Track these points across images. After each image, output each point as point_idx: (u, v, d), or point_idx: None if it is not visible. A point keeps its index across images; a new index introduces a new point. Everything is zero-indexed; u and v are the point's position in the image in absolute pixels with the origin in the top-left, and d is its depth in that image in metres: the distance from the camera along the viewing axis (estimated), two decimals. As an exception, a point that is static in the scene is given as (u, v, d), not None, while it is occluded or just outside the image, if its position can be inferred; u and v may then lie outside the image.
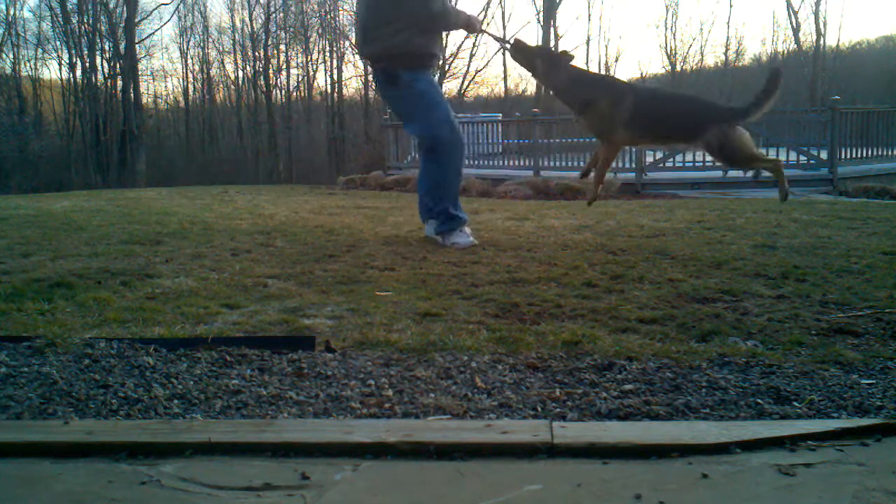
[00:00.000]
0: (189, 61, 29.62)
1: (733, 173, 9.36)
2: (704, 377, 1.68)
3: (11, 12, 26.66)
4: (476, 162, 11.40)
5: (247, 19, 27.64)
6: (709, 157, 9.70)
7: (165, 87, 40.38)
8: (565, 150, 10.61)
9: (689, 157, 9.99)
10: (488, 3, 27.56)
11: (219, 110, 29.70)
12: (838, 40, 32.36)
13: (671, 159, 9.88)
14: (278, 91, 28.30)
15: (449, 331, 2.07)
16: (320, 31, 27.28)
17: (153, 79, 31.46)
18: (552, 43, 26.10)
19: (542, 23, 26.01)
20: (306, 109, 28.21)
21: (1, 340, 1.96)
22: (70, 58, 26.25)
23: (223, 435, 1.33)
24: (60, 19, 26.29)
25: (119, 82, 26.70)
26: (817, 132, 9.98)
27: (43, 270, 3.04)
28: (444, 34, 4.10)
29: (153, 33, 39.31)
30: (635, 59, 58.56)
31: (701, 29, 34.22)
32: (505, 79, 29.40)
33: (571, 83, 3.59)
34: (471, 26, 3.96)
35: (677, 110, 3.61)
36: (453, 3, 3.89)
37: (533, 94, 27.05)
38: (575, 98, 3.59)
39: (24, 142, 24.36)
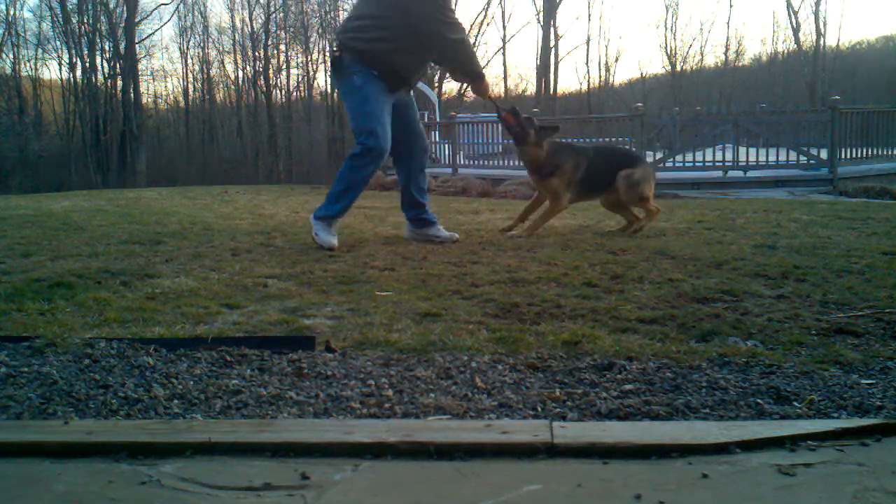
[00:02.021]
0: (189, 61, 29.65)
1: (733, 173, 9.37)
2: (704, 377, 1.68)
3: (11, 12, 26.70)
4: (476, 162, 11.40)
5: (247, 19, 27.68)
6: (709, 158, 9.76)
7: (165, 87, 40.44)
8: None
9: (689, 157, 9.99)
10: (488, 3, 27.59)
11: (219, 110, 29.70)
12: (838, 40, 32.40)
13: (671, 159, 9.88)
14: (278, 91, 28.33)
15: (449, 331, 2.07)
16: (320, 31, 27.31)
17: (153, 79, 31.46)
18: (552, 43, 26.13)
19: (542, 23, 26.03)
20: (306, 109, 28.22)
21: (1, 340, 1.96)
22: (70, 58, 26.28)
23: (223, 435, 1.33)
24: (60, 19, 26.29)
25: (119, 82, 26.71)
26: (817, 132, 9.98)
27: (43, 270, 3.04)
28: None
29: (153, 33, 39.40)
30: (635, 59, 58.69)
31: (701, 29, 34.32)
32: (505, 79, 29.44)
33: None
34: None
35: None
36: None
37: (533, 93, 27.07)
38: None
39: (24, 142, 24.36)
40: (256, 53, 27.52)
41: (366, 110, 3.71)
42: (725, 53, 30.89)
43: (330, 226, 3.75)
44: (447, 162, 11.99)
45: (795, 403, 1.52)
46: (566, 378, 1.70)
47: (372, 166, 3.77)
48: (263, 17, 27.21)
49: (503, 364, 1.79)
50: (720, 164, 9.48)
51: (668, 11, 39.81)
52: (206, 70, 29.06)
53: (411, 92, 4.07)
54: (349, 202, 3.83)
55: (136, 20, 26.55)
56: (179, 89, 30.59)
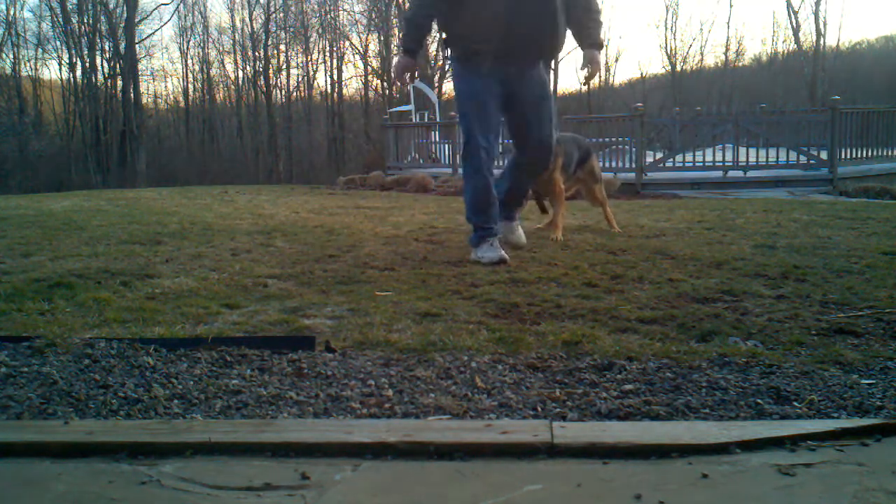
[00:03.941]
0: (189, 61, 29.59)
1: (733, 173, 9.37)
2: (704, 377, 1.68)
3: (11, 12, 26.68)
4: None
5: (247, 19, 27.64)
6: (709, 158, 9.76)
7: (165, 87, 40.39)
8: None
9: (689, 157, 9.99)
10: (488, 4, 27.46)
11: (219, 110, 29.68)
12: (838, 40, 32.40)
13: (671, 159, 9.88)
14: (278, 91, 28.30)
15: (449, 331, 2.07)
16: (320, 31, 27.29)
17: (153, 79, 31.43)
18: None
19: (542, 23, 25.95)
20: (306, 109, 28.20)
21: (1, 340, 1.96)
22: (70, 58, 26.25)
23: (223, 435, 1.33)
24: (60, 19, 26.27)
25: (119, 82, 26.69)
26: (817, 132, 9.98)
27: (43, 270, 3.04)
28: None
29: (153, 33, 39.39)
30: (635, 59, 58.59)
31: (701, 29, 34.29)
32: (505, 79, 29.34)
33: None
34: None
35: None
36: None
37: (533, 94, 27.02)
38: None
39: (24, 142, 24.34)
40: (256, 53, 27.50)
41: (462, 110, 3.39)
42: (725, 53, 30.85)
43: (488, 242, 3.33)
44: (447, 162, 11.99)
45: (795, 403, 1.52)
46: (566, 378, 1.70)
47: (473, 169, 3.34)
48: (263, 17, 27.19)
49: (503, 364, 1.79)
50: (720, 164, 9.48)
51: (668, 11, 39.83)
52: (206, 70, 29.04)
53: (532, 73, 3.37)
54: (482, 214, 3.36)
55: (136, 20, 26.54)
56: (179, 89, 30.56)
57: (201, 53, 29.02)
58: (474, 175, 3.35)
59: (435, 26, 3.40)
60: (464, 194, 3.48)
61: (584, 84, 3.58)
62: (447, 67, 26.67)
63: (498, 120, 3.42)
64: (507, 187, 3.64)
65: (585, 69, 3.39)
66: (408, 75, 3.37)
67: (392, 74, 3.94)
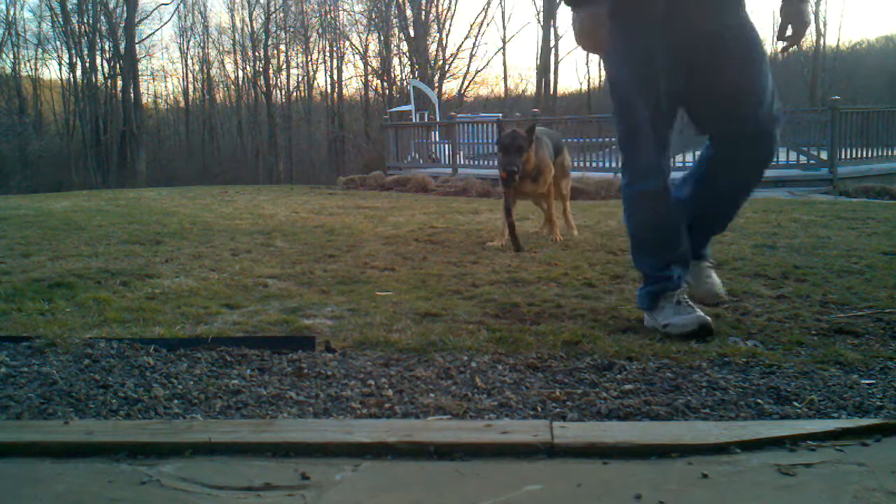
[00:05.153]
0: (189, 61, 29.65)
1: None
2: (704, 377, 1.68)
3: (11, 12, 26.73)
4: (476, 162, 11.42)
5: (247, 19, 27.68)
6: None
7: (165, 87, 40.42)
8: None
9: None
10: (488, 3, 27.58)
11: (219, 110, 29.69)
12: (838, 40, 32.35)
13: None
14: (278, 91, 28.32)
15: (449, 331, 2.07)
16: (320, 31, 27.30)
17: (153, 79, 31.46)
18: (552, 43, 26.11)
19: (542, 23, 26.01)
20: (306, 109, 28.21)
21: (1, 340, 1.96)
22: (70, 58, 26.28)
23: (223, 435, 1.33)
24: (60, 19, 26.31)
25: (119, 82, 26.72)
26: (817, 132, 9.98)
27: (43, 270, 3.04)
28: None
29: (153, 33, 39.45)
30: (635, 60, 58.49)
31: (701, 29, 34.23)
32: (505, 79, 29.41)
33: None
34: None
35: None
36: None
37: (533, 93, 27.06)
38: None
39: (24, 142, 24.37)
40: (256, 53, 27.52)
41: (615, 121, 2.24)
42: (725, 53, 30.82)
43: (666, 300, 2.10)
44: (447, 162, 12.00)
45: (795, 403, 1.52)
46: (566, 378, 1.70)
47: (643, 209, 2.20)
48: (263, 17, 27.21)
49: (503, 364, 1.79)
50: (720, 164, 9.46)
51: (668, 11, 39.78)
52: (206, 70, 29.06)
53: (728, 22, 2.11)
54: (653, 258, 2.18)
55: (136, 20, 26.57)
56: (179, 89, 30.59)
57: (201, 53, 29.08)
58: (642, 197, 2.20)
59: None
60: (627, 227, 2.30)
61: (782, 53, 2.84)
62: (447, 67, 26.70)
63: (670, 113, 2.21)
64: (695, 205, 2.32)
65: (787, 29, 2.18)
66: (602, 31, 2.09)
67: (580, 44, 2.06)
